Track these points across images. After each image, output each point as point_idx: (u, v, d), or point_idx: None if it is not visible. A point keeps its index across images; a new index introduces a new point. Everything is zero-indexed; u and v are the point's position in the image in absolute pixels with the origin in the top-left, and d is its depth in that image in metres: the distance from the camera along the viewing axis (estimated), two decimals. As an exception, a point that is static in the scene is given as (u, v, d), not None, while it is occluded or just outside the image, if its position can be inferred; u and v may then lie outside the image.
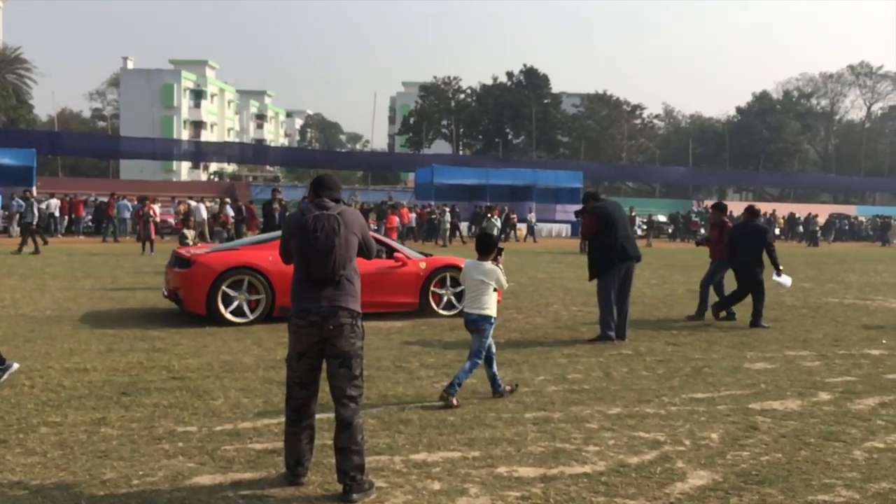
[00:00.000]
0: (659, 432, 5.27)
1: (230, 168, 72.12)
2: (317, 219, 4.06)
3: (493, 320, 6.11)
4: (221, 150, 60.01)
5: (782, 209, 49.30)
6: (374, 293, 9.73)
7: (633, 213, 32.65)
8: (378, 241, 10.98)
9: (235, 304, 9.39)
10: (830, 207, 56.13)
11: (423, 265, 10.45)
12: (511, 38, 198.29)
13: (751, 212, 11.13)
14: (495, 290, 6.12)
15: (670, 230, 44.20)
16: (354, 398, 4.09)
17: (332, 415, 4.17)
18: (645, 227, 36.75)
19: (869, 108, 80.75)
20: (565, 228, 41.53)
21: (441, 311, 10.41)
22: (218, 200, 29.73)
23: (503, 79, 72.11)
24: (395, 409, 5.68)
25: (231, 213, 26.10)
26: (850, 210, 56.12)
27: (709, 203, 54.45)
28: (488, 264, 6.10)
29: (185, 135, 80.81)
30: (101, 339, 8.21)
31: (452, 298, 10.52)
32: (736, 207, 50.12)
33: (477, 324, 6.03)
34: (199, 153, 58.02)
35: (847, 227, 48.02)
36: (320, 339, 4.06)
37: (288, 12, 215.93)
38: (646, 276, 17.02)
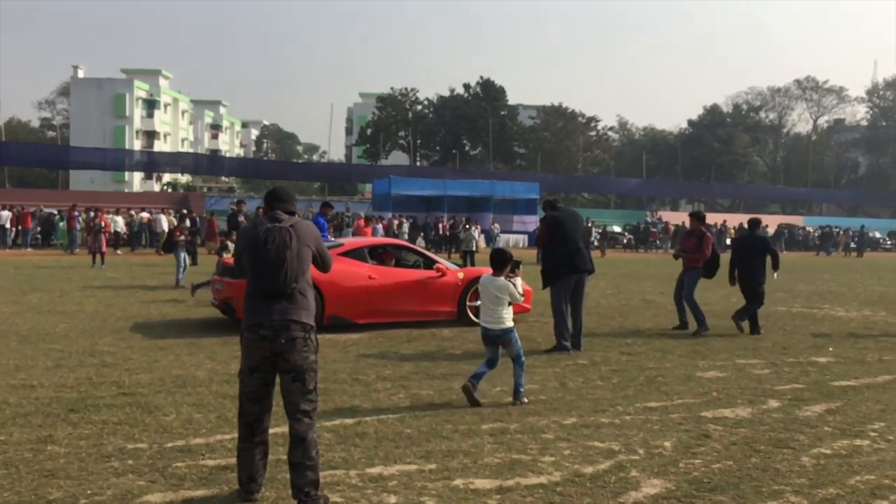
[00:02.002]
0: (613, 442, 5.32)
1: (184, 179, 71.00)
2: (268, 231, 4.02)
3: (513, 329, 6.45)
4: (175, 161, 59.09)
5: (733, 220, 50.39)
6: (415, 302, 10.41)
7: (590, 224, 33.05)
8: (417, 253, 11.59)
9: None
10: (779, 218, 57.50)
11: (461, 275, 10.84)
12: (468, 50, 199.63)
13: (751, 223, 11.41)
14: (510, 303, 6.41)
15: (625, 241, 44.85)
16: (308, 413, 4.05)
17: (286, 429, 4.12)
18: (599, 237, 37.22)
19: (815, 122, 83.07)
20: (522, 239, 41.83)
21: (477, 320, 10.48)
22: (176, 212, 29.46)
23: (460, 91, 72.54)
24: (350, 423, 5.64)
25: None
26: (797, 220, 57.60)
27: (662, 213, 55.69)
28: (501, 279, 6.38)
29: (137, 145, 79.35)
30: (48, 355, 8.00)
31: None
32: (689, 218, 51.13)
33: (502, 338, 6.38)
34: (152, 164, 57.06)
35: (801, 238, 49.25)
36: (272, 354, 4.01)
37: (243, 22, 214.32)
38: (601, 286, 17.23)
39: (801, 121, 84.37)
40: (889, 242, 53.34)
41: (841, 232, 48.40)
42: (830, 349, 9.55)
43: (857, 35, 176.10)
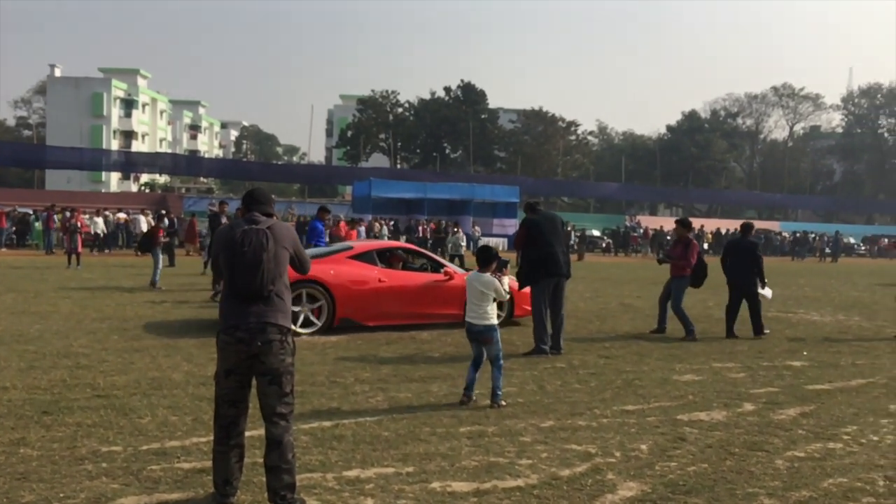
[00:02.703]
0: (590, 444, 5.35)
1: (162, 179, 70.44)
2: (245, 233, 3.99)
3: (496, 327, 6.50)
4: (153, 161, 58.57)
5: (710, 224, 50.86)
6: (423, 305, 10.53)
7: (569, 228, 33.24)
8: (426, 257, 11.79)
9: (302, 317, 9.83)
10: (756, 223, 58.01)
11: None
12: (449, 53, 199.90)
13: (745, 228, 11.54)
14: (495, 300, 6.48)
15: (604, 244, 45.10)
16: (285, 416, 4.03)
17: (262, 432, 4.10)
18: (577, 241, 37.43)
19: (791, 128, 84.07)
20: (502, 242, 41.92)
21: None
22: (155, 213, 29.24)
23: (441, 94, 72.61)
24: (328, 425, 5.62)
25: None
26: (773, 226, 58.24)
27: (641, 218, 56.10)
28: (487, 276, 6.47)
29: (114, 145, 78.58)
30: (21, 356, 7.89)
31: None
32: (667, 223, 51.62)
33: (484, 335, 6.43)
34: (130, 164, 56.55)
35: (778, 243, 49.78)
36: (249, 356, 3.99)
37: (223, 21, 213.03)
38: (580, 289, 17.30)
39: (777, 127, 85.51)
40: (863, 248, 54.07)
41: (816, 237, 49.02)
42: (805, 353, 9.66)
43: (832, 43, 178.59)
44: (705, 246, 44.68)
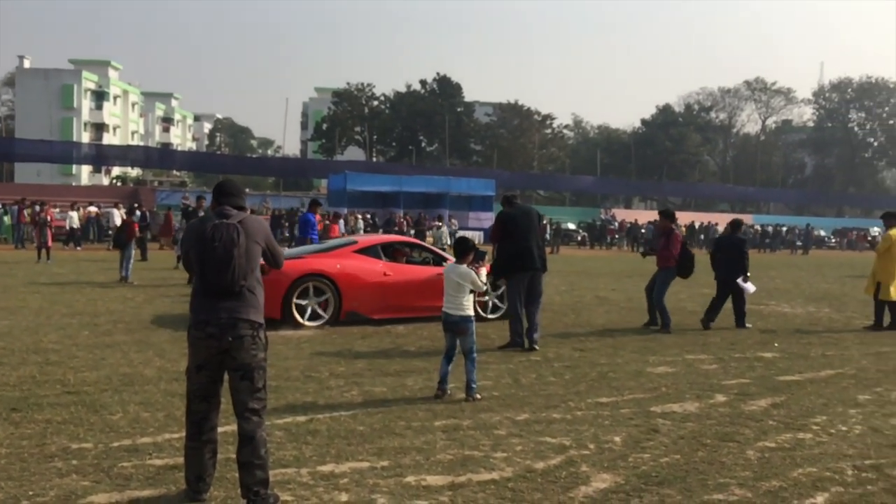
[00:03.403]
0: (565, 437, 5.38)
1: (134, 172, 69.51)
2: (216, 228, 3.93)
3: (472, 319, 6.48)
4: (125, 154, 57.73)
5: (684, 217, 51.23)
6: (428, 298, 10.45)
7: (545, 222, 33.29)
8: (427, 250, 11.95)
9: (309, 310, 10.02)
10: (729, 216, 58.55)
11: None
12: (424, 46, 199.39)
13: (733, 224, 11.80)
14: (472, 291, 6.50)
15: (579, 237, 45.32)
16: (257, 411, 4.00)
17: (235, 428, 4.07)
18: (552, 234, 37.53)
19: (763, 122, 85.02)
20: (478, 235, 41.97)
21: (488, 316, 11.14)
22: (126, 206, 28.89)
23: (416, 86, 72.40)
24: (303, 420, 5.59)
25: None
26: (746, 219, 58.78)
27: (616, 211, 56.45)
28: (464, 267, 6.50)
29: (85, 137, 77.42)
30: (-11, 353, 7.76)
31: (496, 301, 11.31)
32: (641, 216, 52.02)
33: (459, 325, 6.43)
34: (101, 157, 55.84)
35: (751, 236, 50.31)
36: (219, 352, 3.95)
37: (196, 12, 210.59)
38: (555, 283, 17.38)
39: (750, 121, 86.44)
40: (833, 241, 54.86)
41: (786, 230, 49.68)
42: (776, 344, 9.79)
43: (804, 38, 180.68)
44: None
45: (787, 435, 5.60)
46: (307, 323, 9.91)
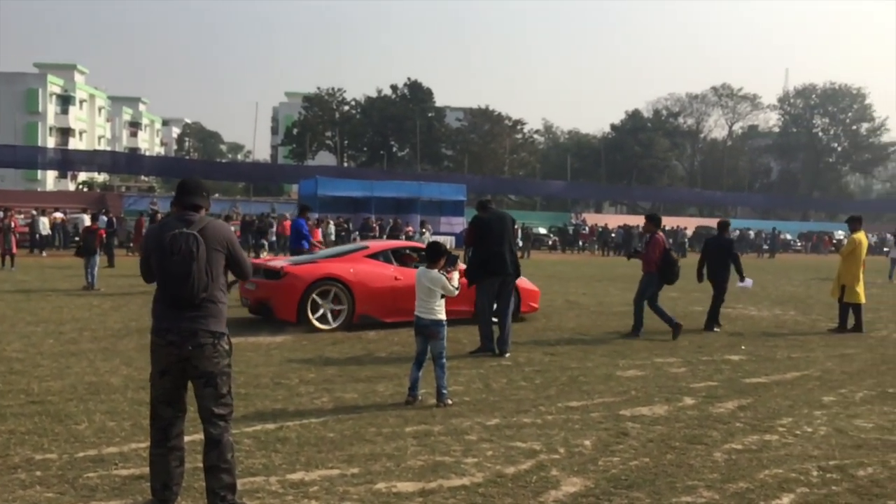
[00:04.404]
0: (535, 441, 5.39)
1: (101, 178, 68.51)
2: (174, 239, 3.82)
3: (444, 324, 6.53)
4: (91, 159, 56.88)
5: (654, 222, 51.71)
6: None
7: (517, 227, 33.36)
8: None
9: (321, 311, 10.26)
10: (697, 220, 59.38)
11: None
12: (396, 51, 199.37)
13: (721, 226, 12.16)
14: (443, 296, 6.52)
15: (550, 242, 45.54)
16: (223, 416, 3.96)
17: (202, 436, 4.02)
18: (522, 239, 37.67)
19: (730, 128, 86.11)
20: (450, 240, 41.98)
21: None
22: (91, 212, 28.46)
23: (388, 92, 72.33)
24: (272, 428, 5.54)
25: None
26: (714, 223, 59.50)
27: (586, 216, 56.80)
28: (435, 272, 6.52)
29: (51, 142, 76.09)
30: (-50, 362, 7.59)
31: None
32: (611, 220, 52.42)
33: (431, 329, 6.47)
34: (67, 162, 54.92)
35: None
36: (180, 359, 3.90)
37: (164, 15, 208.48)
38: (526, 287, 17.39)
39: (717, 126, 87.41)
40: (799, 244, 55.75)
41: (753, 234, 50.43)
42: (743, 347, 9.92)
43: (770, 44, 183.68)
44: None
45: (753, 437, 5.67)
46: (321, 326, 10.16)
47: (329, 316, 10.31)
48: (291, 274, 10.30)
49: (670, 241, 10.99)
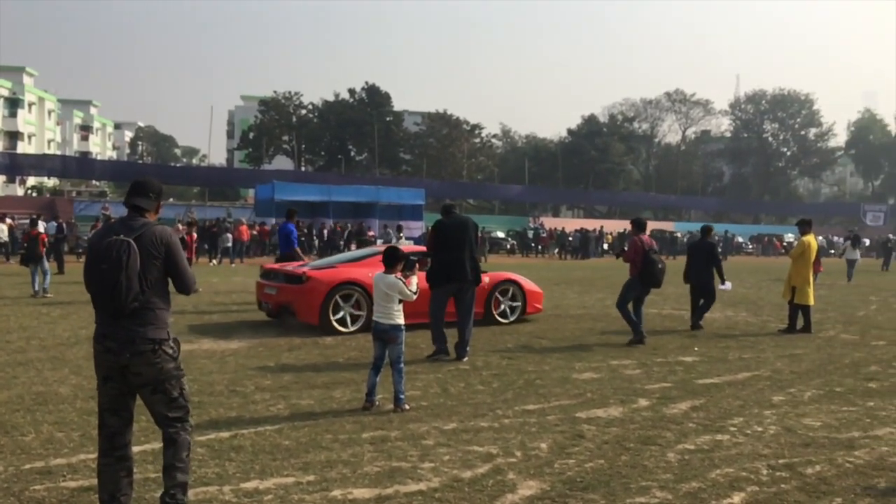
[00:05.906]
0: (492, 445, 5.41)
1: (51, 182, 66.91)
2: (108, 247, 3.69)
3: (403, 328, 6.53)
4: (41, 164, 55.50)
5: (610, 226, 52.47)
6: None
7: (481, 233, 33.45)
8: None
9: (341, 313, 10.59)
10: (652, 224, 60.18)
11: (486, 280, 11.44)
12: (353, 54, 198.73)
13: (704, 231, 12.92)
14: (401, 301, 6.56)
15: (508, 245, 45.80)
16: (179, 418, 3.89)
17: (154, 446, 3.95)
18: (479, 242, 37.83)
19: (684, 132, 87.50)
20: (410, 245, 41.91)
21: (500, 319, 11.94)
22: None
23: (345, 95, 72.02)
24: (226, 436, 5.46)
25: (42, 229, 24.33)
26: (668, 226, 60.53)
27: (544, 219, 57.25)
28: (392, 277, 6.55)
29: (-2, 146, 74.20)
30: None
31: (508, 309, 12.12)
32: (568, 224, 52.93)
33: (389, 333, 6.45)
34: (15, 166, 53.48)
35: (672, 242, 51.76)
36: (120, 366, 3.80)
37: (115, 17, 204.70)
38: (484, 291, 17.45)
39: (671, 131, 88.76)
40: (751, 247, 56.91)
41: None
42: (696, 349, 10.09)
43: (721, 51, 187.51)
44: (605, 246, 46.18)
45: (706, 437, 5.77)
46: (341, 329, 10.48)
47: (348, 320, 10.63)
48: (314, 278, 10.70)
49: (655, 244, 10.99)
